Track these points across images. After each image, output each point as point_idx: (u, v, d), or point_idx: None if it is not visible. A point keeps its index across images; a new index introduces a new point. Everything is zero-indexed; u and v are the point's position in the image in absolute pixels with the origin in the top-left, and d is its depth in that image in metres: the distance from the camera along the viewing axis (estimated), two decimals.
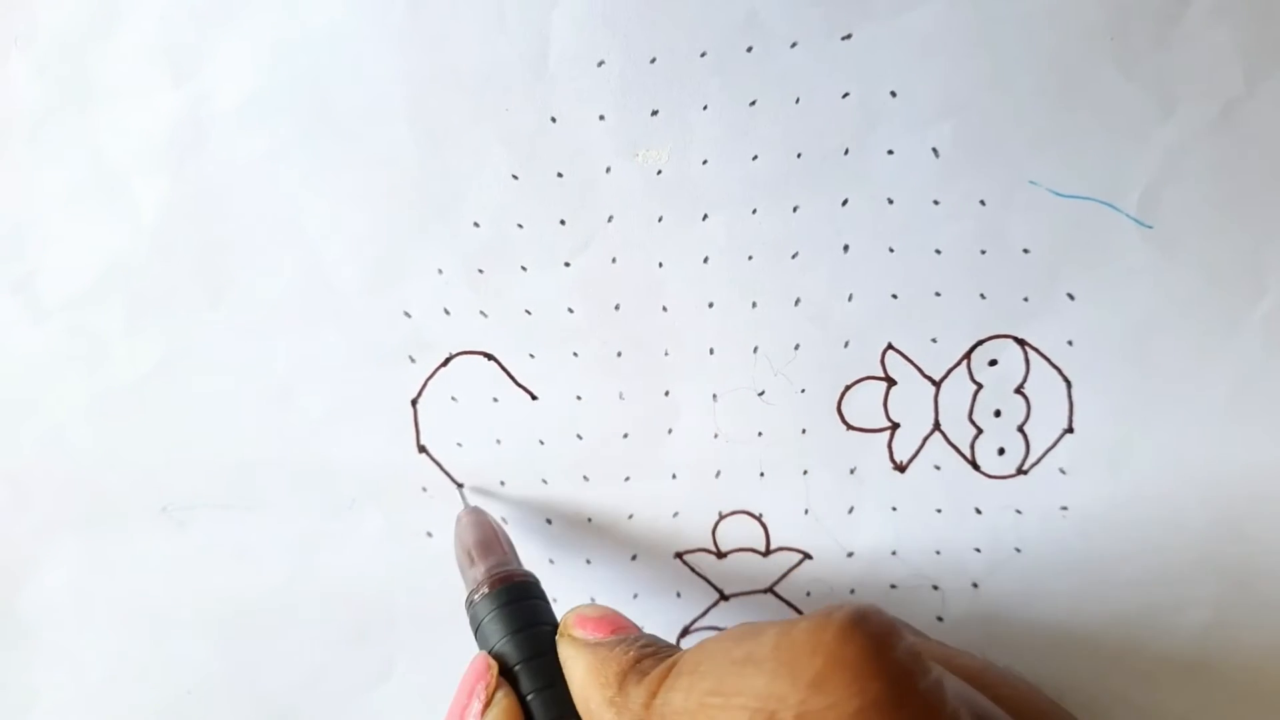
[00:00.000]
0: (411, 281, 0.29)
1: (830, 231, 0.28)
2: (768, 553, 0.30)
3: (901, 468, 0.29)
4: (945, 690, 0.17)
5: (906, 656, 0.17)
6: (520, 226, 0.29)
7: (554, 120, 0.28)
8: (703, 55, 0.28)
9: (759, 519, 0.29)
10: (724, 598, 0.30)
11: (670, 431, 0.29)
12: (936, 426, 0.29)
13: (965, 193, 0.28)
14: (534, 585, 0.25)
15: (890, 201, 0.28)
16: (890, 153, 0.28)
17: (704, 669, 0.19)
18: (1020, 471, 0.29)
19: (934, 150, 0.28)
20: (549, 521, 0.30)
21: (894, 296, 0.29)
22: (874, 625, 0.17)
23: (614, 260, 0.29)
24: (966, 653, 0.27)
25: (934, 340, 0.29)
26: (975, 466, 0.29)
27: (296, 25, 0.28)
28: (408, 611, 0.30)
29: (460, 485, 0.29)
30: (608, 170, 0.28)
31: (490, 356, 0.29)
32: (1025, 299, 0.28)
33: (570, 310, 0.29)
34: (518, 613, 0.24)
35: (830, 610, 0.18)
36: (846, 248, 0.28)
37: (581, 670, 0.22)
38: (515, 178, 0.28)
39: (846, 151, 0.28)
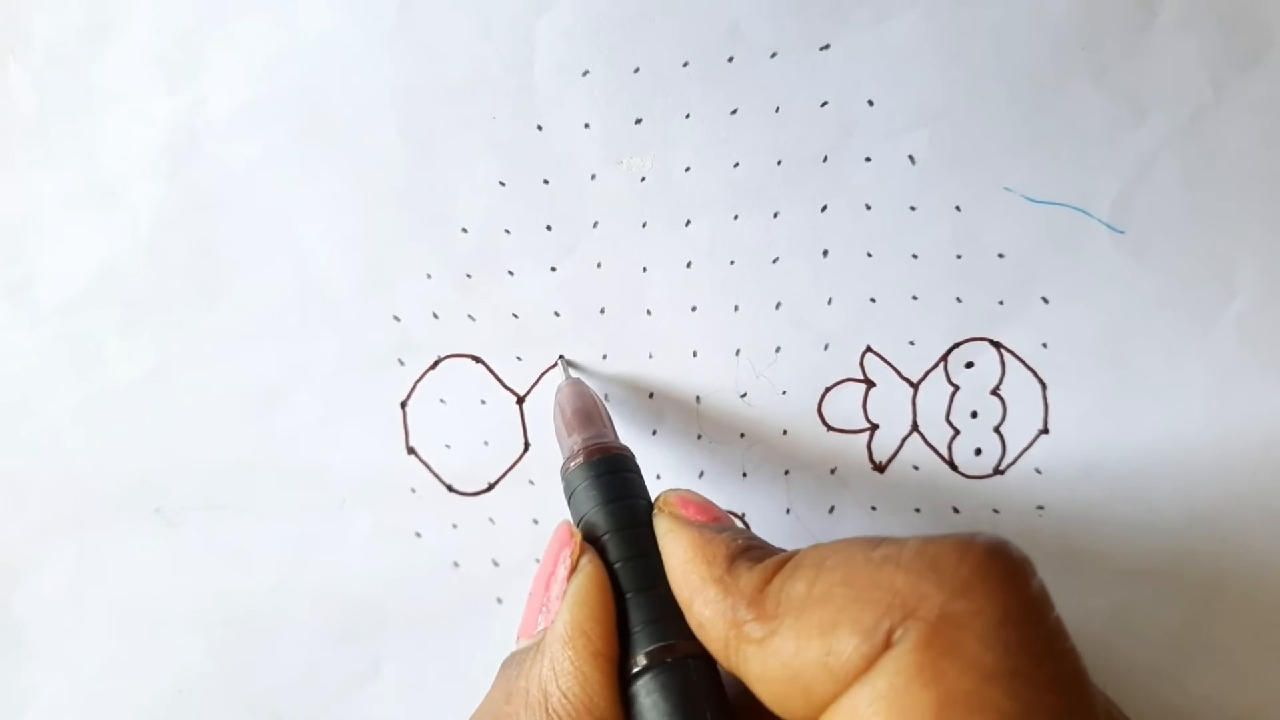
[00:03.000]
0: (401, 286, 0.29)
1: (810, 237, 0.29)
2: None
3: (881, 468, 0.30)
4: (1065, 625, 0.18)
5: (1041, 589, 0.18)
6: (507, 232, 0.29)
7: (540, 128, 0.29)
8: (685, 65, 0.28)
9: (741, 519, 0.30)
10: None
11: (654, 433, 0.30)
12: (915, 427, 0.30)
13: (941, 199, 0.29)
14: (629, 459, 0.25)
15: (868, 207, 0.29)
16: (868, 160, 0.29)
17: (832, 562, 0.19)
18: (997, 471, 0.29)
19: (910, 157, 0.28)
20: (535, 522, 0.30)
21: (872, 300, 0.29)
22: (1015, 554, 0.18)
23: (599, 265, 0.29)
24: None
25: (912, 343, 0.29)
26: (953, 467, 0.29)
27: (288, 35, 0.29)
28: (397, 612, 0.30)
29: (561, 356, 0.29)
30: (593, 177, 0.29)
31: (478, 359, 0.30)
32: (1001, 302, 0.29)
33: (556, 314, 0.29)
34: (612, 483, 0.24)
35: (974, 533, 0.18)
36: (826, 253, 0.29)
37: (685, 546, 0.21)
38: (502, 184, 0.29)
39: (825, 159, 0.29)
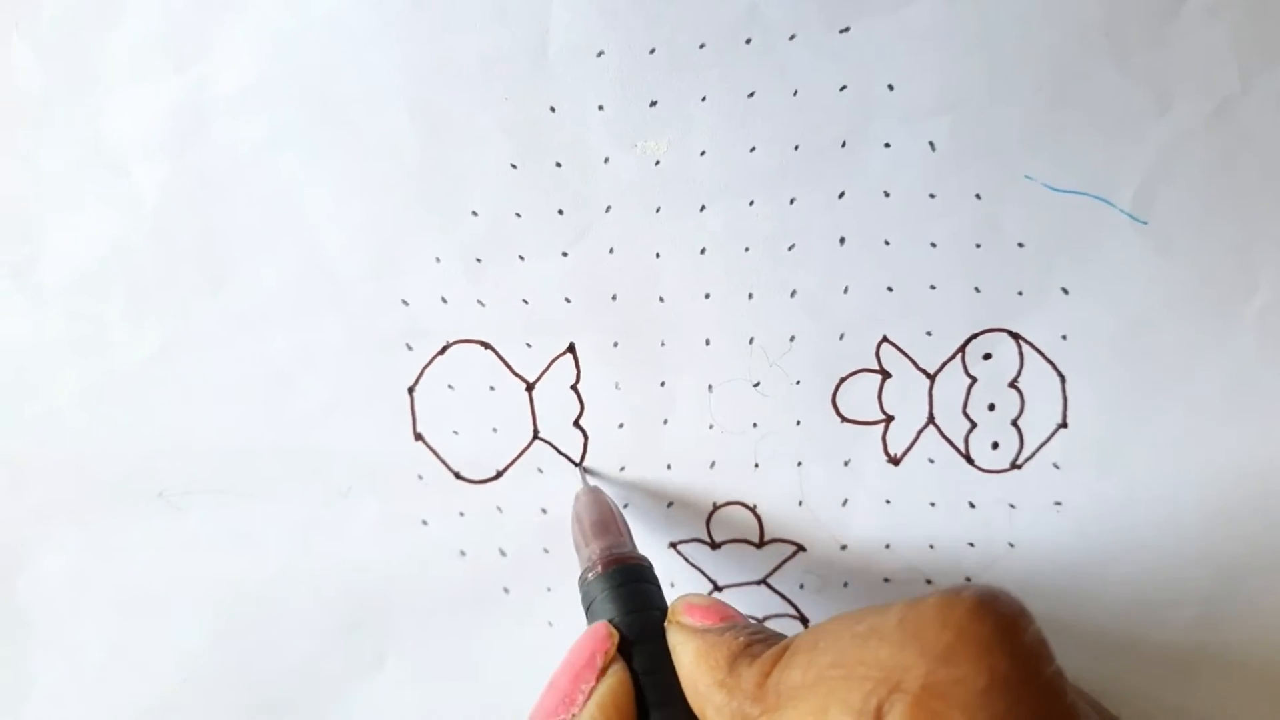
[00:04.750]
0: (409, 270, 0.29)
1: (827, 224, 0.28)
2: (761, 544, 0.30)
3: (895, 461, 0.29)
4: (1066, 681, 0.17)
5: (1035, 641, 0.17)
6: (518, 216, 0.29)
7: (553, 110, 0.28)
8: (702, 47, 0.28)
9: (753, 510, 0.30)
10: (718, 588, 0.30)
11: (666, 422, 0.29)
12: (931, 420, 0.29)
13: (961, 186, 0.28)
14: (647, 569, 0.25)
15: (886, 194, 0.28)
16: (887, 146, 0.28)
17: (823, 645, 0.19)
18: (1014, 466, 0.29)
19: (930, 144, 0.28)
20: (544, 511, 0.30)
21: (889, 289, 0.29)
22: (1004, 606, 0.17)
23: (611, 250, 0.29)
24: None
25: (929, 333, 0.29)
26: (969, 460, 0.29)
27: (297, 13, 0.28)
28: (402, 600, 0.30)
29: (580, 465, 0.30)
30: (606, 161, 0.28)
31: (487, 345, 0.29)
32: (1020, 293, 0.28)
33: (567, 300, 0.29)
34: (630, 594, 0.24)
35: (959, 588, 0.18)
36: (843, 240, 0.29)
37: (691, 654, 0.22)
38: (514, 167, 0.29)
39: (843, 144, 0.28)
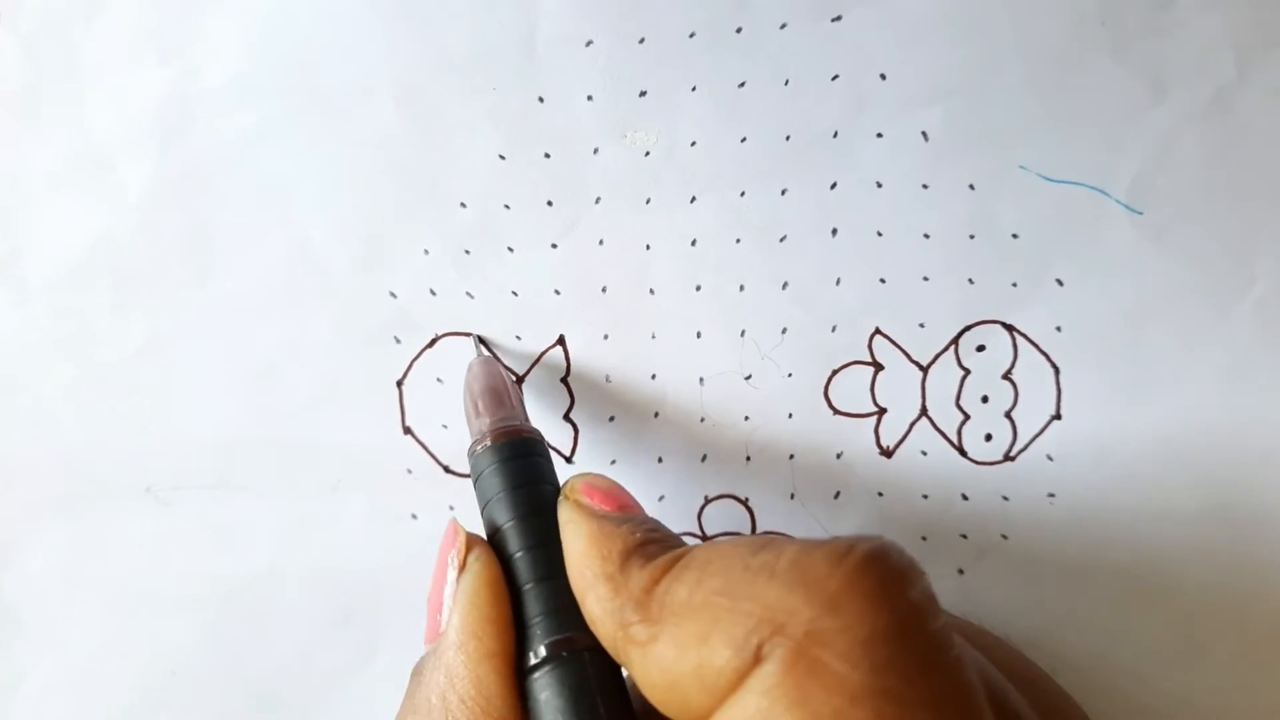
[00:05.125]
0: (397, 262, 0.29)
1: (819, 215, 0.28)
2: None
3: (888, 453, 0.29)
4: (953, 635, 0.17)
5: (921, 596, 0.17)
6: (507, 207, 0.29)
7: (542, 100, 0.28)
8: (692, 36, 0.28)
9: (745, 503, 0.29)
10: None
11: (656, 415, 0.29)
12: (924, 412, 0.29)
13: (954, 177, 0.28)
14: (538, 442, 0.24)
15: (879, 185, 0.28)
16: (879, 136, 0.28)
17: (714, 568, 0.18)
18: (1007, 458, 0.29)
19: (923, 134, 0.28)
20: None
21: (882, 281, 0.28)
22: (895, 561, 0.17)
23: (601, 242, 0.29)
24: (963, 618, 0.26)
25: (922, 325, 0.29)
26: (962, 452, 0.29)
27: (283, 4, 0.28)
28: (393, 594, 0.30)
29: (475, 335, 0.29)
30: (595, 151, 0.28)
31: (476, 338, 0.29)
32: (1014, 284, 0.28)
33: (557, 292, 0.29)
34: (519, 469, 0.23)
35: (856, 539, 0.17)
36: (835, 231, 0.28)
37: (582, 538, 0.21)
38: (502, 158, 0.28)
39: (835, 134, 0.28)
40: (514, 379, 0.27)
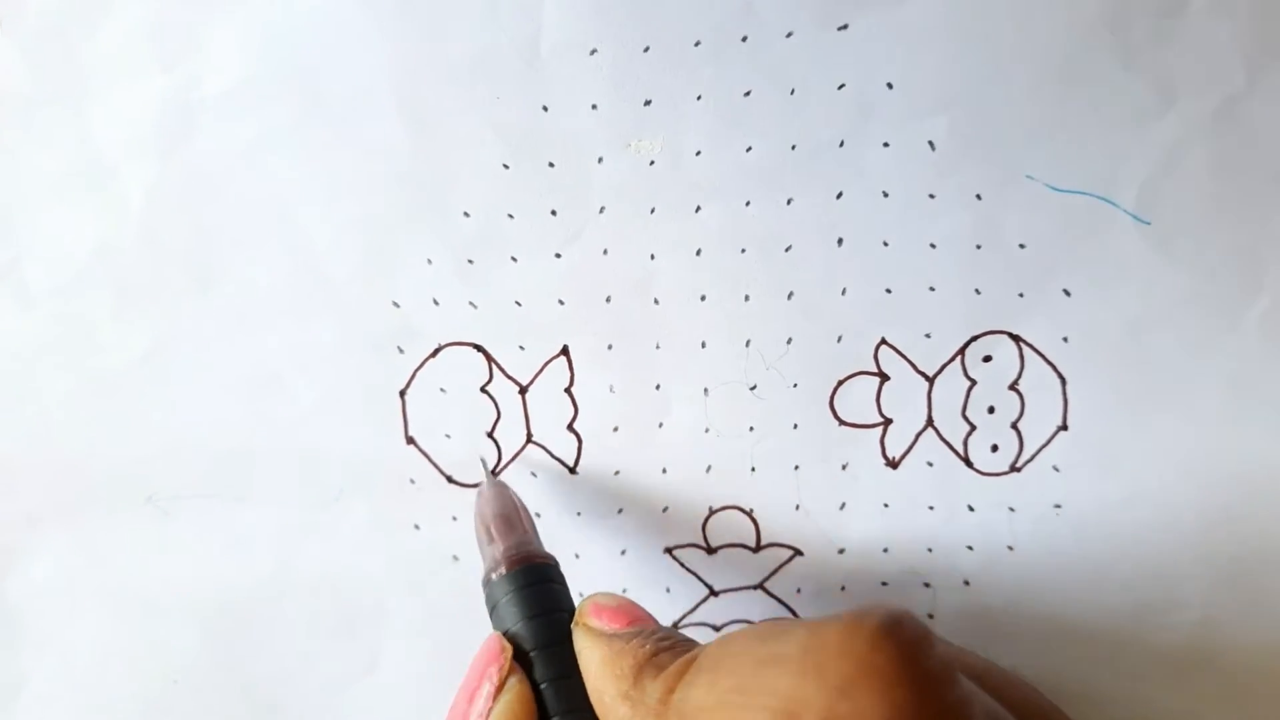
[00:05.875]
0: (401, 271, 0.29)
1: (824, 224, 0.28)
2: (758, 548, 0.29)
3: (894, 464, 0.29)
4: (974, 703, 0.17)
5: (938, 667, 0.17)
6: (511, 217, 0.28)
7: (546, 109, 0.28)
8: (697, 45, 0.27)
9: (750, 514, 0.29)
10: (714, 593, 0.30)
11: (661, 425, 0.29)
12: (929, 422, 0.29)
13: (961, 186, 0.28)
14: (554, 568, 0.24)
15: (885, 195, 0.28)
16: (885, 145, 0.28)
17: (727, 666, 0.18)
18: (1013, 469, 0.29)
19: (930, 143, 0.28)
20: (538, 515, 0.29)
21: (888, 291, 0.28)
22: (907, 632, 0.17)
23: (605, 252, 0.29)
24: (971, 652, 0.26)
25: (928, 335, 0.28)
26: (968, 463, 0.29)
27: (286, 12, 0.28)
28: (394, 604, 0.30)
29: (483, 459, 0.29)
30: (600, 160, 0.28)
31: (479, 348, 0.29)
32: (1020, 294, 0.28)
33: (561, 302, 0.29)
34: (536, 596, 0.23)
35: (863, 614, 0.17)
36: (840, 241, 0.28)
37: (596, 662, 0.21)
38: (506, 167, 0.28)
39: (841, 144, 0.28)
40: (521, 503, 0.27)
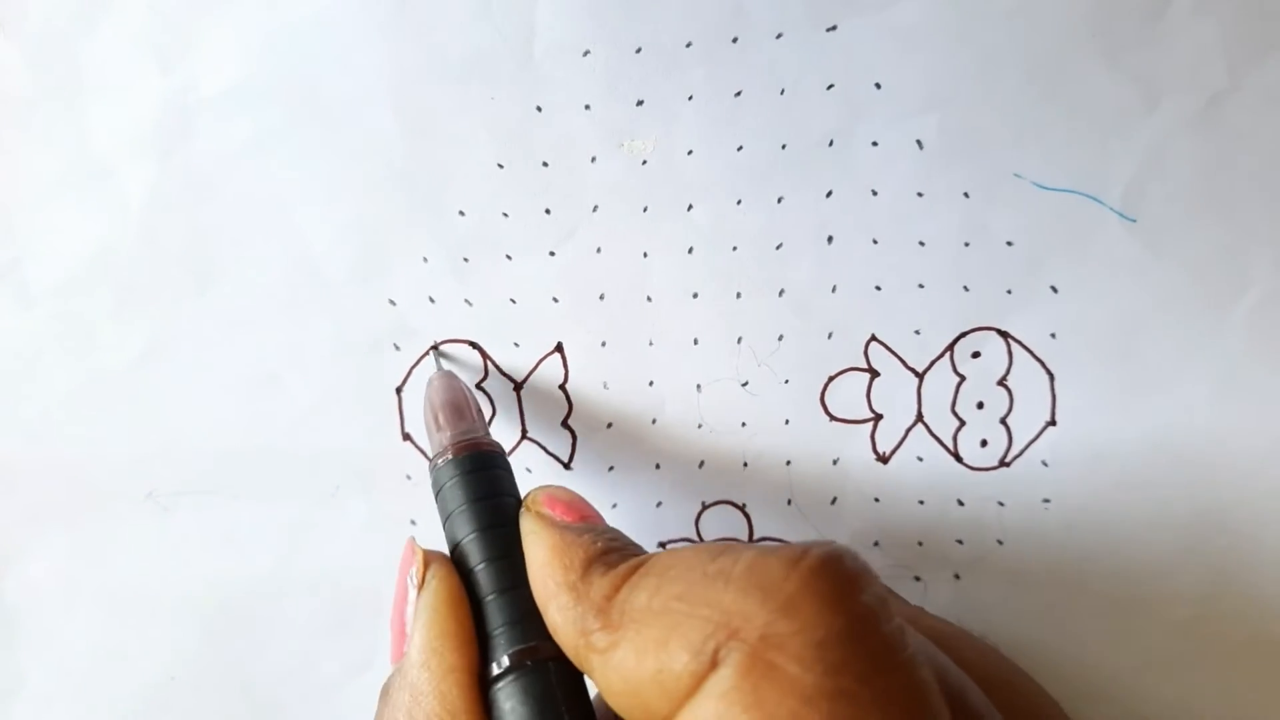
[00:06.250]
0: (396, 270, 0.29)
1: (814, 223, 0.28)
2: (751, 543, 0.30)
3: (884, 459, 0.29)
4: (907, 635, 0.17)
5: (874, 600, 0.17)
6: (505, 215, 0.29)
7: (539, 110, 0.28)
8: (688, 46, 0.28)
9: (742, 509, 0.30)
10: None
11: (654, 421, 0.29)
12: (919, 418, 0.29)
13: (949, 185, 0.28)
14: (499, 456, 0.25)
15: (874, 193, 0.28)
16: (875, 144, 0.28)
17: (673, 574, 0.19)
18: (1003, 464, 0.29)
19: (918, 142, 0.28)
20: None
21: (877, 288, 0.29)
22: (848, 565, 0.18)
23: (599, 250, 0.29)
24: (941, 618, 0.27)
25: (917, 332, 0.29)
26: (958, 458, 0.29)
27: (282, 14, 0.28)
28: (391, 600, 0.30)
29: (434, 347, 0.29)
30: (593, 160, 0.28)
31: (475, 345, 0.29)
32: (1008, 291, 0.28)
33: (555, 300, 0.29)
34: (480, 481, 0.24)
35: (809, 544, 0.18)
36: (830, 239, 0.28)
37: (545, 549, 0.21)
38: (500, 167, 0.28)
39: (831, 143, 0.28)
40: (474, 391, 0.27)
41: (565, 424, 0.30)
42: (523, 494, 0.24)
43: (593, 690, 0.21)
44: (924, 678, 0.17)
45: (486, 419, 0.26)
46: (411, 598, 0.22)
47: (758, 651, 0.17)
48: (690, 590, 0.18)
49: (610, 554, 0.21)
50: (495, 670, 0.21)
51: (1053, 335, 0.28)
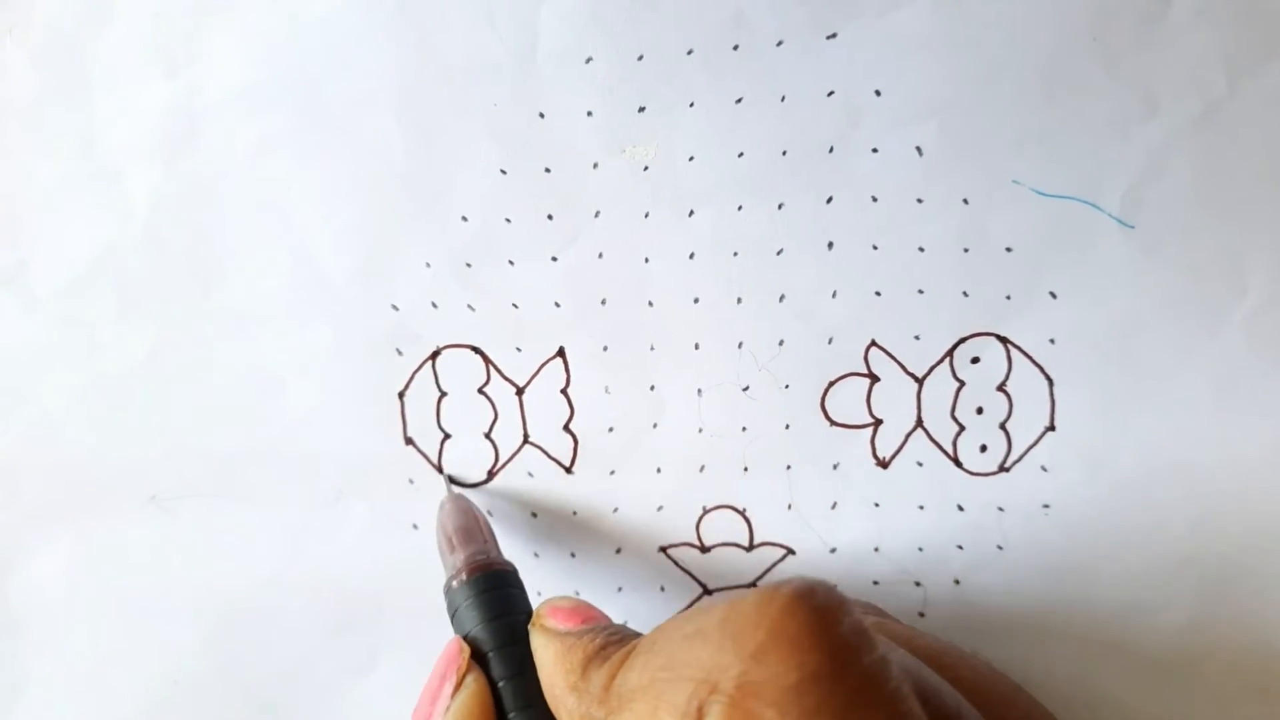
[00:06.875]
0: (399, 274, 0.29)
1: (815, 228, 0.29)
2: (751, 547, 0.30)
3: (884, 464, 0.29)
4: (890, 666, 0.17)
5: (850, 632, 0.17)
6: (508, 221, 0.29)
7: (542, 116, 0.28)
8: (690, 53, 0.28)
9: (743, 514, 0.30)
10: (707, 592, 0.30)
11: (655, 426, 0.29)
12: (919, 423, 0.29)
13: (949, 191, 0.28)
14: (511, 574, 0.26)
15: (874, 199, 0.28)
16: (874, 151, 0.28)
17: (658, 647, 0.19)
18: (1002, 469, 0.29)
19: (918, 149, 0.28)
20: (534, 515, 0.30)
21: (877, 294, 0.29)
22: (820, 599, 0.17)
23: (601, 255, 0.29)
24: (931, 635, 0.27)
25: (917, 337, 0.29)
26: (957, 463, 0.29)
27: (287, 19, 0.28)
28: (393, 604, 0.30)
29: (445, 474, 0.30)
30: (595, 166, 0.29)
31: (477, 350, 0.29)
32: (1008, 297, 0.28)
33: (557, 304, 0.29)
34: (494, 600, 0.25)
35: (778, 584, 0.18)
36: (831, 245, 0.29)
37: (550, 659, 0.22)
38: (503, 172, 0.29)
39: (831, 149, 0.28)
40: (487, 513, 0.28)
41: (567, 428, 0.30)
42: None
43: None
44: (909, 709, 0.17)
45: (497, 539, 0.27)
46: (446, 692, 0.23)
47: (735, 701, 0.17)
48: (673, 657, 0.18)
49: (608, 647, 0.21)
50: None
51: (1052, 341, 0.29)
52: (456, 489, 0.29)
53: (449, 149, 0.29)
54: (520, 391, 0.30)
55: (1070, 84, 0.28)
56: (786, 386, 0.29)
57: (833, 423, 0.29)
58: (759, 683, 0.16)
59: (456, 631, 0.25)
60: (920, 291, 0.29)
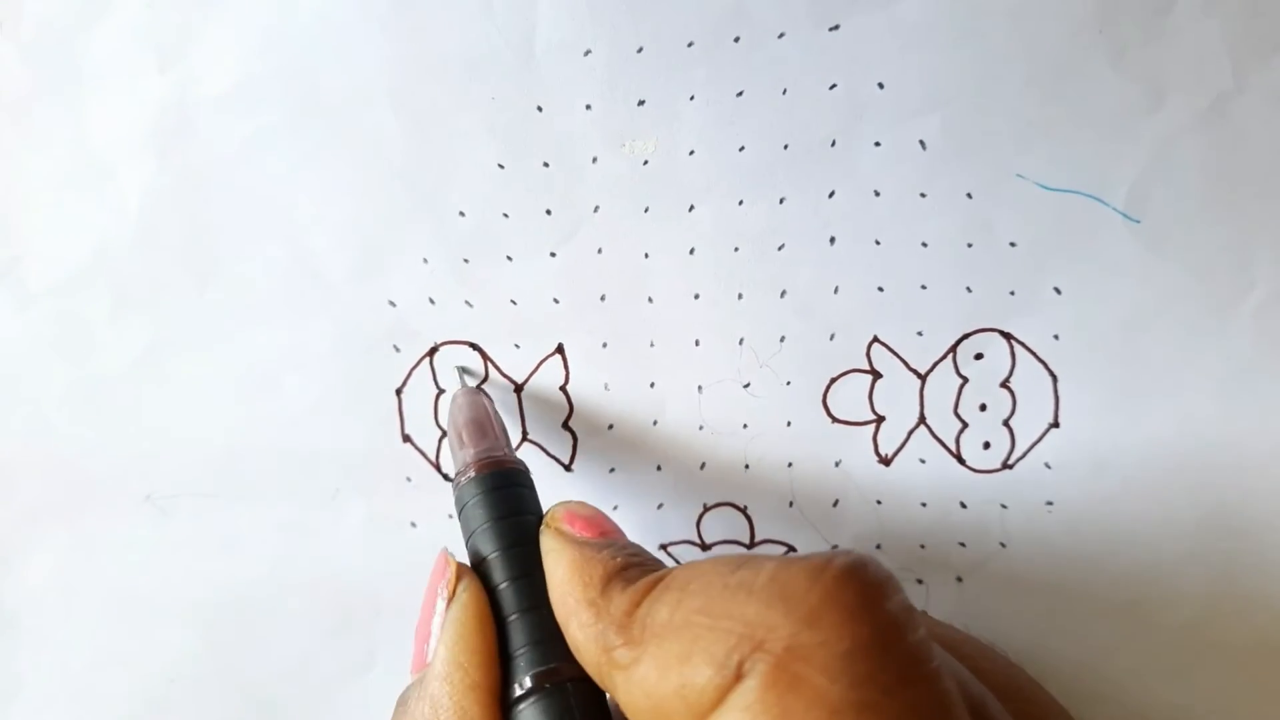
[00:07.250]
0: (397, 271, 0.29)
1: (816, 223, 0.28)
2: (752, 545, 0.30)
3: (886, 461, 0.29)
4: (932, 647, 0.17)
5: (900, 609, 0.17)
6: (506, 216, 0.29)
7: (540, 109, 0.28)
8: (690, 45, 0.28)
9: (743, 511, 0.29)
10: None
11: (655, 423, 0.29)
12: (922, 420, 0.29)
13: (952, 185, 0.28)
14: (523, 474, 0.25)
15: (877, 194, 0.28)
16: (877, 145, 0.28)
17: (694, 588, 0.18)
18: (1005, 466, 0.29)
19: (921, 143, 0.28)
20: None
21: (880, 289, 0.28)
22: (873, 574, 0.17)
23: (600, 251, 0.29)
24: (949, 625, 0.27)
25: (920, 333, 0.29)
26: (960, 460, 0.29)
27: (282, 13, 0.28)
28: (391, 602, 0.30)
29: (459, 365, 0.29)
30: (594, 160, 0.28)
31: (475, 346, 0.29)
32: (1012, 292, 0.28)
33: (556, 300, 0.29)
34: (502, 499, 0.23)
35: (832, 554, 0.18)
36: (833, 240, 0.28)
37: (564, 566, 0.21)
38: (501, 167, 0.28)
39: (833, 143, 0.28)
40: (495, 411, 0.27)
41: (566, 425, 0.29)
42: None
43: (614, 705, 0.21)
44: (948, 689, 0.17)
45: (510, 436, 0.26)
46: (439, 609, 0.22)
47: (783, 663, 0.16)
48: (712, 603, 0.18)
49: (630, 569, 0.21)
50: (517, 691, 0.21)
51: (1056, 337, 0.28)
52: (470, 380, 0.29)
53: (446, 143, 0.28)
54: (519, 388, 0.29)
55: (1075, 77, 0.27)
56: (788, 383, 0.29)
57: (834, 419, 0.29)
58: (809, 646, 0.16)
59: (463, 531, 0.24)
60: (923, 287, 0.28)
